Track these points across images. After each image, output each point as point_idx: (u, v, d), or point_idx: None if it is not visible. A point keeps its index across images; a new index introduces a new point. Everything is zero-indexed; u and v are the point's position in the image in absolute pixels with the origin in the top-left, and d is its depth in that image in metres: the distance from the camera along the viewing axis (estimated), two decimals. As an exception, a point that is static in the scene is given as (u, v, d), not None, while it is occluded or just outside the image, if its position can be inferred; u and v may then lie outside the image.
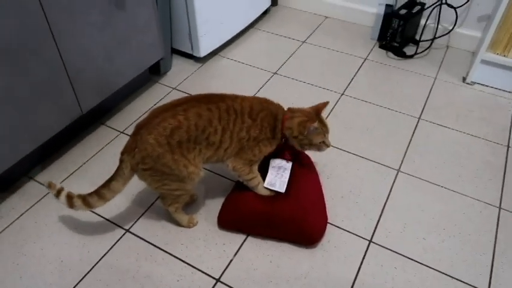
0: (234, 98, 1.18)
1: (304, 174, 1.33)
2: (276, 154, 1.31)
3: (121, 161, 1.14)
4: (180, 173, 1.13)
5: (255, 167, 1.24)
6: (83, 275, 1.20)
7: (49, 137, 1.43)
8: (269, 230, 1.26)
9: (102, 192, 1.15)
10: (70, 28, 1.35)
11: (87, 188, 1.42)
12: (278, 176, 1.28)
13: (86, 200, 1.15)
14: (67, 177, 1.48)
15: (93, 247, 1.27)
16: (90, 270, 1.21)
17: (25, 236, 1.30)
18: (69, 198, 1.15)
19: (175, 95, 1.85)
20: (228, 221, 1.30)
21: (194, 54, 2.01)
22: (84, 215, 1.35)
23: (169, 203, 1.24)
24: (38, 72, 1.30)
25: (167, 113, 1.10)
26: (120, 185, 1.15)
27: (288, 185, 1.26)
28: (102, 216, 1.35)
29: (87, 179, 1.47)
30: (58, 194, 1.15)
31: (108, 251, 1.26)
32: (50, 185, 1.16)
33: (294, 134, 1.21)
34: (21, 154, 1.35)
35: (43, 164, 1.52)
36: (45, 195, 1.41)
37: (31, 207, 1.38)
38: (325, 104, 1.27)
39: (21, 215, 1.35)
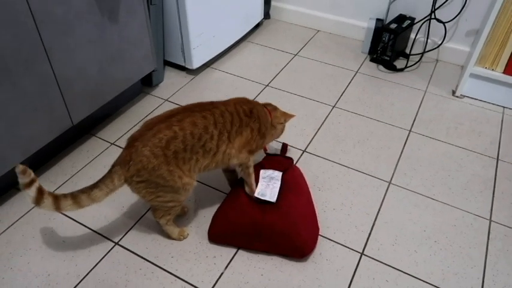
0: (224, 103, 1.22)
1: (295, 186, 1.33)
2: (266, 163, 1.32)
3: (112, 172, 1.10)
4: (174, 184, 1.12)
5: (252, 159, 1.29)
6: (70, 289, 1.18)
7: (38, 148, 1.41)
8: (260, 244, 1.25)
9: (80, 197, 1.07)
10: (62, 41, 1.34)
11: (76, 200, 1.41)
12: (269, 186, 1.28)
13: (57, 200, 1.06)
14: (56, 189, 1.46)
15: (81, 260, 1.24)
16: (78, 284, 1.19)
17: (12, 249, 1.27)
18: (40, 192, 1.03)
19: (167, 107, 1.85)
20: (218, 235, 1.29)
21: (186, 66, 2.02)
22: (72, 227, 1.33)
23: (161, 215, 1.22)
24: (29, 84, 1.29)
25: (162, 124, 1.10)
26: (103, 194, 1.09)
27: (279, 197, 1.26)
28: (90, 229, 1.33)
29: (77, 191, 1.46)
30: (29, 184, 1.02)
31: (97, 264, 1.24)
32: (23, 171, 1.00)
33: (281, 121, 1.38)
34: (10, 165, 1.33)
35: (32, 176, 1.50)
36: (33, 207, 1.39)
37: (18, 219, 1.36)
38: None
39: (8, 228, 1.33)
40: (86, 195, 1.08)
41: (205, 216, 1.38)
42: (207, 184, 1.49)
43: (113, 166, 1.11)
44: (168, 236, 1.30)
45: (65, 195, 1.07)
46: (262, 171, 1.31)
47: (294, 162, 1.58)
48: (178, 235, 1.29)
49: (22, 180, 1.02)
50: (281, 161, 1.41)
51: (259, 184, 1.28)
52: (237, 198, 1.28)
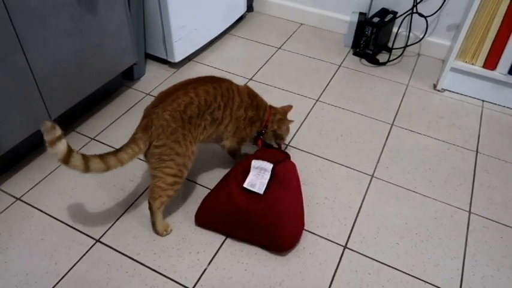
0: (231, 82, 1.34)
1: (284, 181, 1.32)
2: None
3: (136, 138, 1.15)
4: (186, 150, 1.20)
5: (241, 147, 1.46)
6: (50, 288, 1.15)
7: (15, 144, 1.37)
8: (241, 232, 1.26)
9: (108, 157, 1.10)
10: (38, 34, 1.30)
11: (55, 198, 1.38)
12: (259, 177, 1.27)
13: (86, 159, 1.06)
14: (34, 186, 1.42)
15: (61, 258, 1.22)
16: (58, 283, 1.16)
17: (-12, 248, 1.24)
18: (69, 150, 1.03)
19: (149, 101, 1.81)
20: (204, 218, 1.31)
21: (168, 59, 1.99)
22: (51, 224, 1.30)
23: (158, 195, 1.22)
24: (3, 78, 1.25)
25: (179, 92, 1.20)
26: (129, 157, 1.13)
27: (266, 189, 1.25)
28: (71, 226, 1.31)
29: (55, 188, 1.42)
30: (56, 140, 1.00)
31: (77, 262, 1.21)
32: (52, 127, 1.00)
33: (273, 128, 1.46)
34: (-15, 162, 1.29)
35: (8, 173, 1.46)
36: (10, 205, 1.35)
37: (-5, 217, 1.32)
38: (290, 107, 1.54)
39: (-16, 226, 1.29)
40: (114, 157, 1.11)
41: (188, 212, 1.36)
42: (192, 180, 1.48)
43: (135, 134, 1.17)
44: (153, 226, 1.28)
45: (93, 155, 1.08)
46: (254, 161, 1.31)
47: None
48: (163, 228, 1.28)
49: (50, 136, 1.00)
50: (276, 154, 1.41)
51: (250, 174, 1.28)
52: (227, 184, 1.29)
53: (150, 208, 1.26)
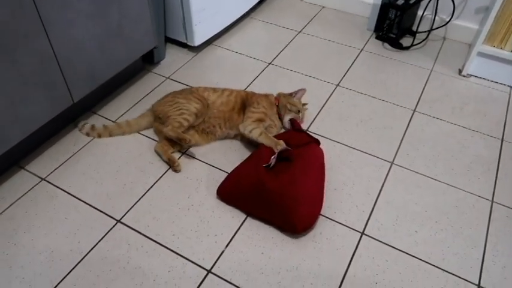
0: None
1: (306, 164, 1.35)
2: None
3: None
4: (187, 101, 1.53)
5: (260, 126, 1.48)
6: (73, 265, 1.19)
7: (40, 126, 1.41)
8: (260, 209, 1.29)
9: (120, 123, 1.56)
10: (61, 17, 1.32)
11: (78, 179, 1.42)
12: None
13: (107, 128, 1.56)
14: (58, 167, 1.46)
15: (84, 237, 1.26)
16: (81, 260, 1.20)
17: (15, 225, 1.29)
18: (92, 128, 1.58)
19: (169, 84, 1.83)
20: (226, 192, 1.35)
21: (188, 43, 1.99)
22: (74, 204, 1.34)
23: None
24: (28, 61, 1.27)
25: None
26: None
27: (284, 169, 1.30)
28: (93, 206, 1.34)
29: (78, 169, 1.46)
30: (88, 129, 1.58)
31: (99, 241, 1.25)
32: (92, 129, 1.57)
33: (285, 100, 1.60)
34: (11, 143, 1.33)
35: (34, 153, 1.51)
36: (36, 185, 1.40)
37: (21, 196, 1.37)
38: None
39: (11, 205, 1.34)
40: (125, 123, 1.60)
41: (206, 195, 1.38)
42: (210, 164, 1.49)
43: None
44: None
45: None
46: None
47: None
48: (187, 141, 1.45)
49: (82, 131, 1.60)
50: (301, 137, 1.46)
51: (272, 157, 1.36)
52: (250, 160, 1.38)
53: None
